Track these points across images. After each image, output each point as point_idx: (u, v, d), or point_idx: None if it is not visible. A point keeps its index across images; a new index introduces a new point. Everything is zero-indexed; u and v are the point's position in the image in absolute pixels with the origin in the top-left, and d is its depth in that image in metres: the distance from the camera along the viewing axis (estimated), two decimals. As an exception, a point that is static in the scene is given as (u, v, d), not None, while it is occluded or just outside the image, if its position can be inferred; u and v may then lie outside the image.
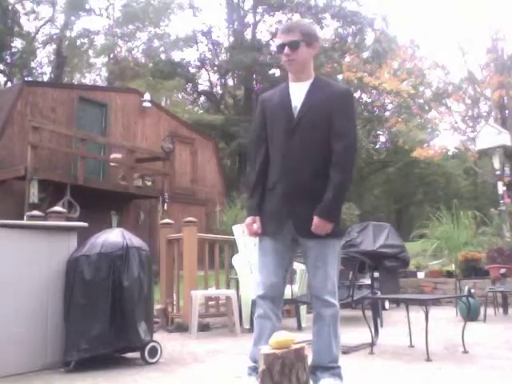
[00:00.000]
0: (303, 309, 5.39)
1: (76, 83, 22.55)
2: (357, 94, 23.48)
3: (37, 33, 24.29)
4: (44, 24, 24.32)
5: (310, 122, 2.47)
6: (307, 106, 2.48)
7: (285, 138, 2.51)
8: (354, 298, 4.61)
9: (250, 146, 2.83)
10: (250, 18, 24.76)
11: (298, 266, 5.22)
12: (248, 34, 24.63)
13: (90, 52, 24.93)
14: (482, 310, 5.66)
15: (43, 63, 25.46)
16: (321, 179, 2.46)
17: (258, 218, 2.57)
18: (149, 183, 12.17)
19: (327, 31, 24.74)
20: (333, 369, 2.50)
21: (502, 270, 6.68)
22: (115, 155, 11.56)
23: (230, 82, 26.25)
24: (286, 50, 2.47)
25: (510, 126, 13.65)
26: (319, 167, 2.46)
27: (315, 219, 2.41)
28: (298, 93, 2.53)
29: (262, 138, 2.65)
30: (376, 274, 6.26)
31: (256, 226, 2.57)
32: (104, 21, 25.43)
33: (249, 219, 2.60)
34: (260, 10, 24.53)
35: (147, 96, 13.63)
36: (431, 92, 17.19)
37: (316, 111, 2.47)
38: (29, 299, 3.39)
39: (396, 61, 17.52)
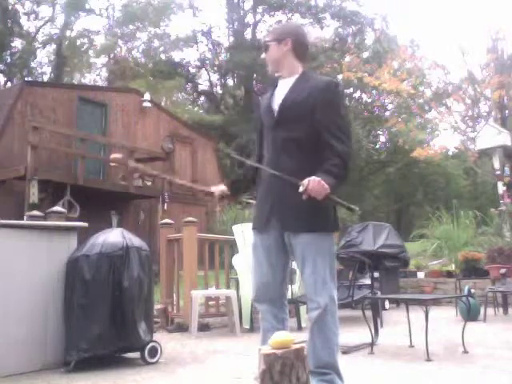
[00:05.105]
0: (303, 309, 5.38)
1: (76, 83, 22.50)
2: (357, 94, 23.50)
3: (37, 33, 24.24)
4: (44, 24, 24.28)
5: (291, 118, 2.42)
6: (288, 102, 2.44)
7: (270, 136, 2.50)
8: (354, 298, 4.62)
9: (251, 146, 2.86)
10: (250, 18, 24.80)
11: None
12: (248, 34, 24.66)
13: (90, 52, 24.92)
14: (482, 309, 5.65)
15: (43, 63, 25.42)
16: (303, 175, 2.30)
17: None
18: (149, 183, 12.17)
19: (327, 31, 24.78)
20: (322, 374, 2.34)
21: (502, 270, 6.67)
22: (115, 155, 11.52)
23: (230, 82, 26.27)
24: (264, 53, 2.63)
25: (510, 126, 13.65)
26: (302, 163, 2.37)
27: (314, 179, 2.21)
28: (281, 90, 2.52)
29: (260, 136, 2.66)
30: (376, 274, 6.26)
31: None
32: (104, 21, 25.46)
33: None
34: (260, 9, 24.56)
35: (147, 96, 13.61)
36: (431, 92, 17.17)
37: (297, 106, 2.41)
38: (29, 299, 3.39)
39: (396, 61, 17.50)
